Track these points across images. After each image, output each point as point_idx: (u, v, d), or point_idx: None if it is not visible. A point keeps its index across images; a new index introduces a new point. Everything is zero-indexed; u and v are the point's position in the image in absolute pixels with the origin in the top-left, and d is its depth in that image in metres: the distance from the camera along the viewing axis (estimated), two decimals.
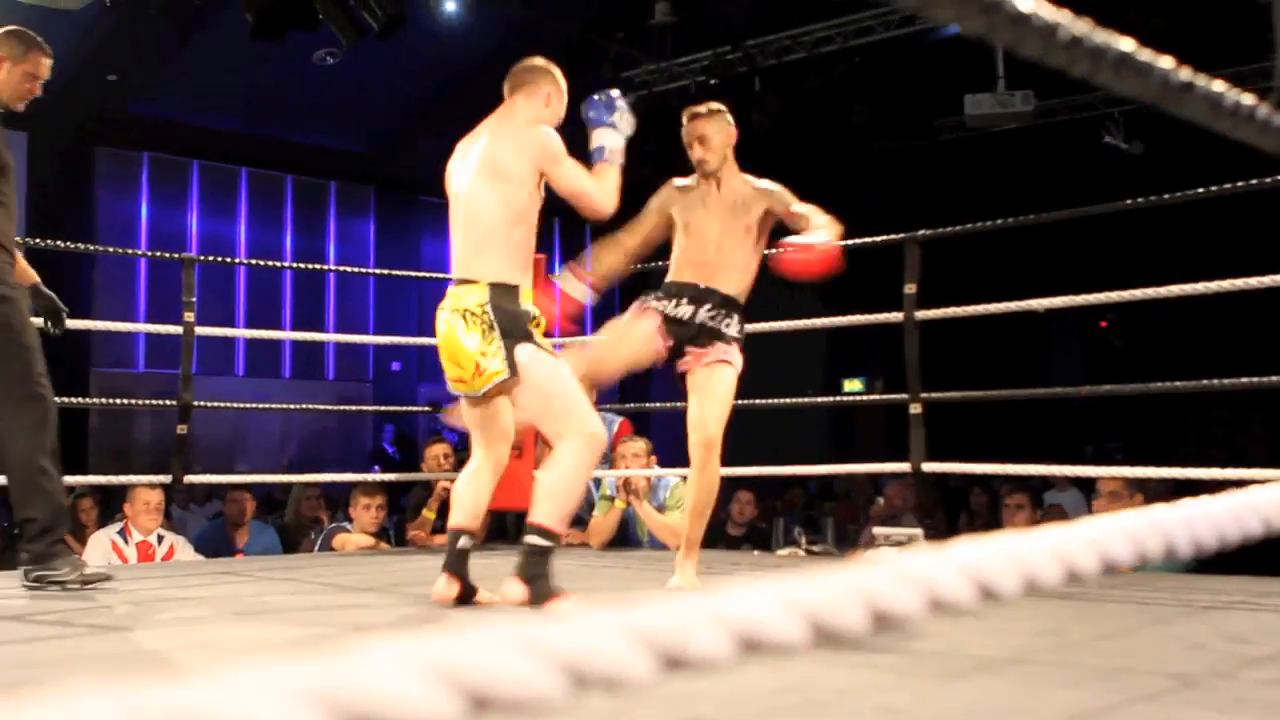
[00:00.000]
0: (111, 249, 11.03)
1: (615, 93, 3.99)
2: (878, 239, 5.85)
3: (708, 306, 4.62)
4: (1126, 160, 12.81)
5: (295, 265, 13.58)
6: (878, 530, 6.48)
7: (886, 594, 0.61)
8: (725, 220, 4.64)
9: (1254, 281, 4.86)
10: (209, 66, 11.94)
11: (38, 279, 4.54)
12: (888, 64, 12.13)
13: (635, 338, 4.66)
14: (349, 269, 12.66)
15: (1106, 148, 12.88)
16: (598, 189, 3.80)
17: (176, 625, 3.62)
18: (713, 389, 4.59)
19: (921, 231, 5.63)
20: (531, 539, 3.60)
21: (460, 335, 3.74)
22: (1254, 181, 4.84)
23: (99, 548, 6.03)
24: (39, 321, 4.51)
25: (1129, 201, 5.36)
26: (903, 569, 0.64)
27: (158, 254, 7.28)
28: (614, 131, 3.89)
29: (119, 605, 3.97)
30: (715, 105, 4.80)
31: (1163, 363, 12.52)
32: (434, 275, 15.41)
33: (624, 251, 4.79)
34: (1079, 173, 12.87)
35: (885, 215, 9.45)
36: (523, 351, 3.72)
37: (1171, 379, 5.52)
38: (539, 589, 3.53)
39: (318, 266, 13.46)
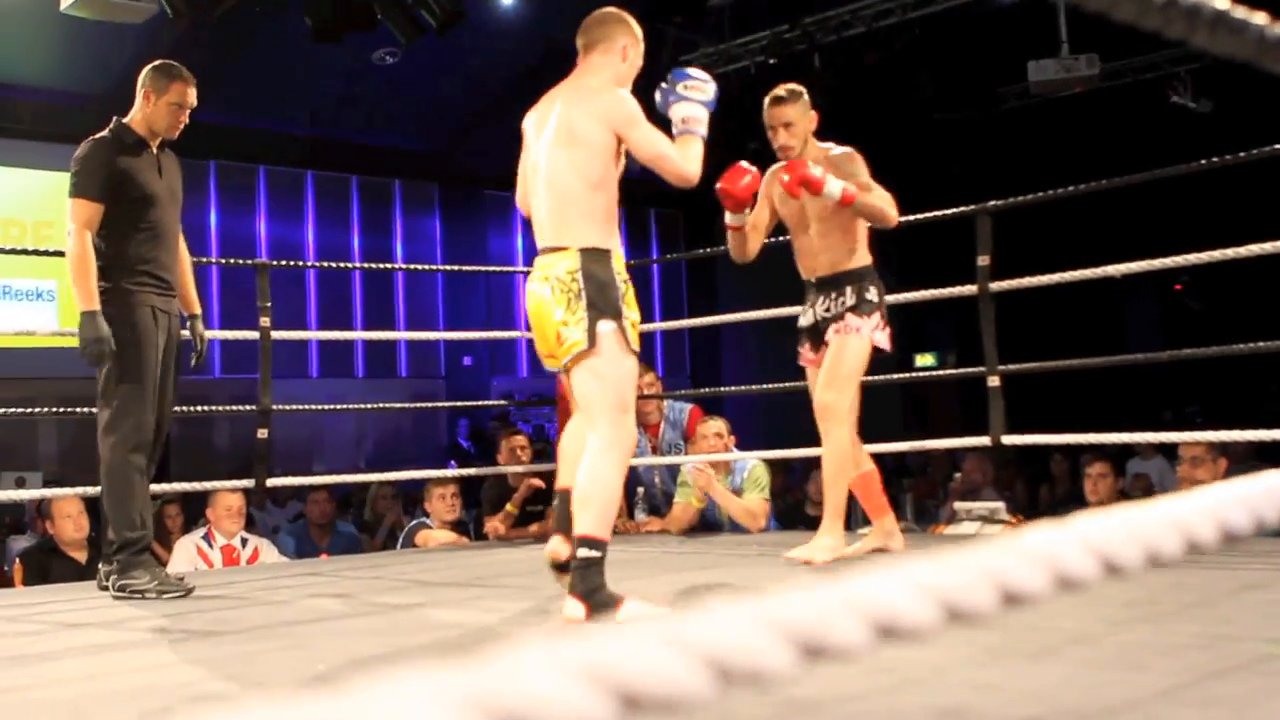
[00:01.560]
0: None
1: (683, 70, 3.90)
2: (948, 211, 5.79)
3: (820, 301, 4.77)
4: (1195, 119, 12.61)
5: (364, 266, 13.67)
6: (959, 505, 6.44)
7: (1015, 573, 0.60)
8: (812, 204, 4.67)
9: None
10: (271, 72, 12.04)
11: (198, 311, 4.88)
12: (948, 34, 12.01)
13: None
14: (417, 267, 12.71)
15: (1174, 107, 12.69)
16: (678, 153, 3.65)
17: (280, 629, 3.66)
18: (830, 358, 4.67)
19: (992, 202, 5.55)
20: (581, 552, 3.45)
21: (548, 304, 3.62)
22: None
23: (184, 554, 6.11)
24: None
25: (1201, 162, 5.23)
26: (1027, 547, 0.62)
27: (230, 261, 7.36)
28: (686, 102, 3.79)
29: (212, 611, 4.02)
30: (795, 87, 4.79)
31: (1240, 323, 12.32)
32: (501, 269, 15.52)
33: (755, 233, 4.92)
34: (1147, 134, 12.67)
35: (951, 187, 9.36)
36: (605, 326, 3.56)
37: (1248, 339, 5.42)
38: (598, 601, 3.43)
39: (386, 266, 13.55)
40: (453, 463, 13.05)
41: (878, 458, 5.16)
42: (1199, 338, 11.04)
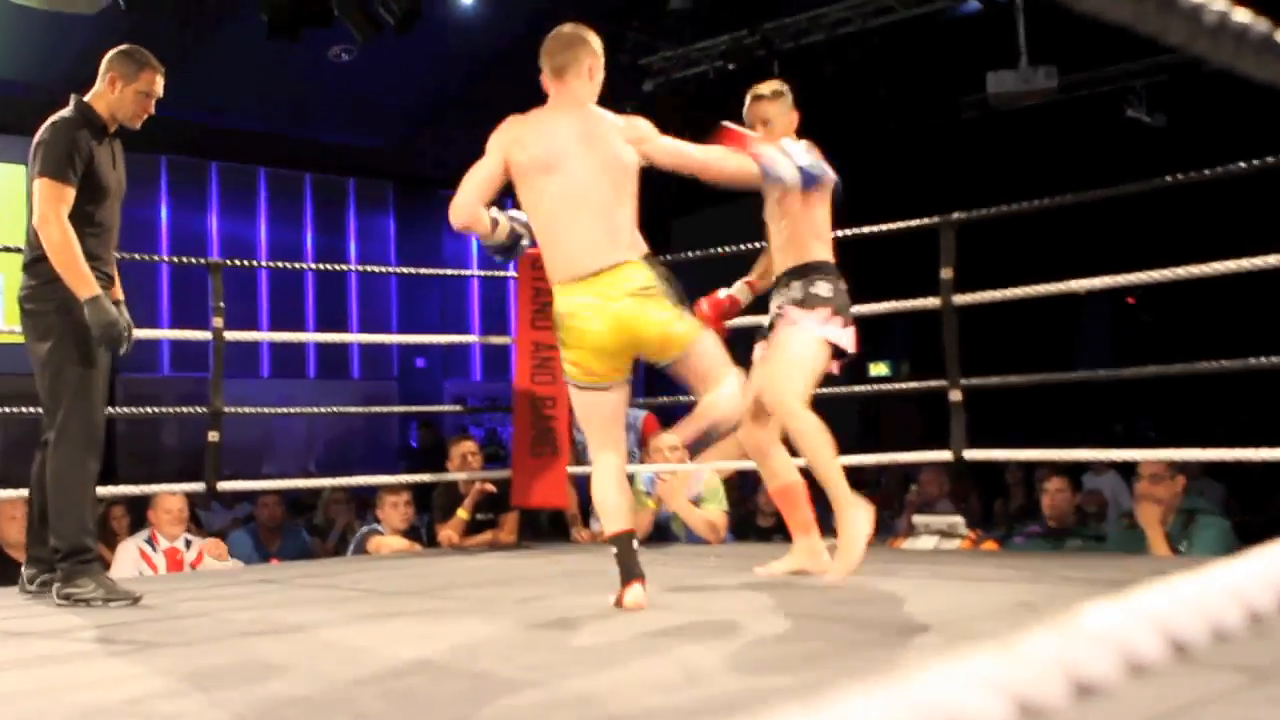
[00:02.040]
0: (136, 255, 11.00)
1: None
2: (911, 223, 5.76)
3: (775, 299, 4.65)
4: (1149, 133, 12.67)
5: (317, 266, 13.52)
6: (917, 519, 6.44)
7: (1086, 662, 0.54)
8: (784, 203, 4.55)
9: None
10: (225, 67, 11.88)
11: (121, 298, 4.61)
12: (907, 44, 12.00)
13: None
14: (371, 268, 12.59)
15: (1129, 121, 12.75)
16: (700, 149, 3.95)
17: (231, 640, 3.56)
18: (772, 354, 4.54)
19: (956, 214, 5.53)
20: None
21: (649, 314, 3.78)
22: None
23: (127, 557, 5.99)
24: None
25: (1161, 180, 5.26)
26: (1094, 632, 0.57)
27: (182, 259, 7.25)
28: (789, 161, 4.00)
29: (160, 621, 3.93)
30: (778, 86, 4.73)
31: (1192, 338, 12.41)
32: (456, 272, 15.41)
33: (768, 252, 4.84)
34: (1103, 147, 12.73)
35: (909, 196, 9.35)
36: (687, 312, 3.91)
37: (1201, 354, 5.43)
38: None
39: (340, 267, 13.41)
40: (404, 464, 12.94)
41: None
42: (1151, 350, 11.10)
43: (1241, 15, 0.86)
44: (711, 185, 4.09)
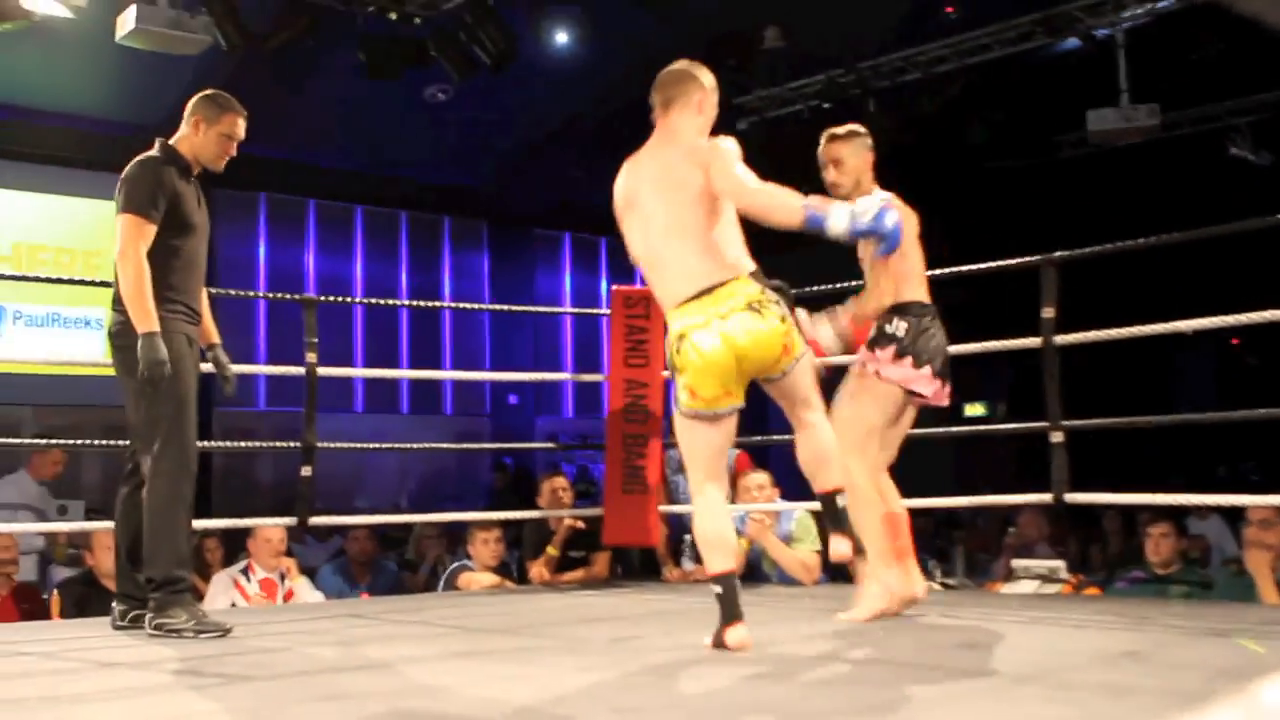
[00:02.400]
0: (233, 291, 11.15)
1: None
2: (1011, 262, 5.66)
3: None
4: (1254, 171, 12.42)
5: (412, 304, 13.59)
6: (1016, 563, 6.29)
7: None
8: (864, 246, 4.51)
9: None
10: (323, 106, 12.03)
11: (218, 340, 4.76)
12: (1005, 81, 11.86)
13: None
14: (465, 305, 12.63)
15: (1234, 159, 12.50)
16: (765, 189, 3.77)
17: (319, 676, 3.54)
18: (838, 397, 4.54)
19: (1058, 253, 5.42)
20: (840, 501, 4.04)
21: (760, 327, 3.75)
22: None
23: (221, 588, 6.02)
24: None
25: (1266, 218, 5.11)
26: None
27: (279, 295, 7.32)
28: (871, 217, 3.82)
29: (250, 655, 3.92)
30: (856, 127, 4.71)
31: None
32: (549, 309, 15.42)
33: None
34: (1205, 186, 12.48)
35: (1006, 236, 9.21)
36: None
37: None
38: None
39: (434, 304, 13.49)
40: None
41: (932, 510, 4.98)
42: (1255, 393, 10.80)
43: None
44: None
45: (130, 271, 4.26)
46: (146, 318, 4.24)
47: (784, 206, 3.74)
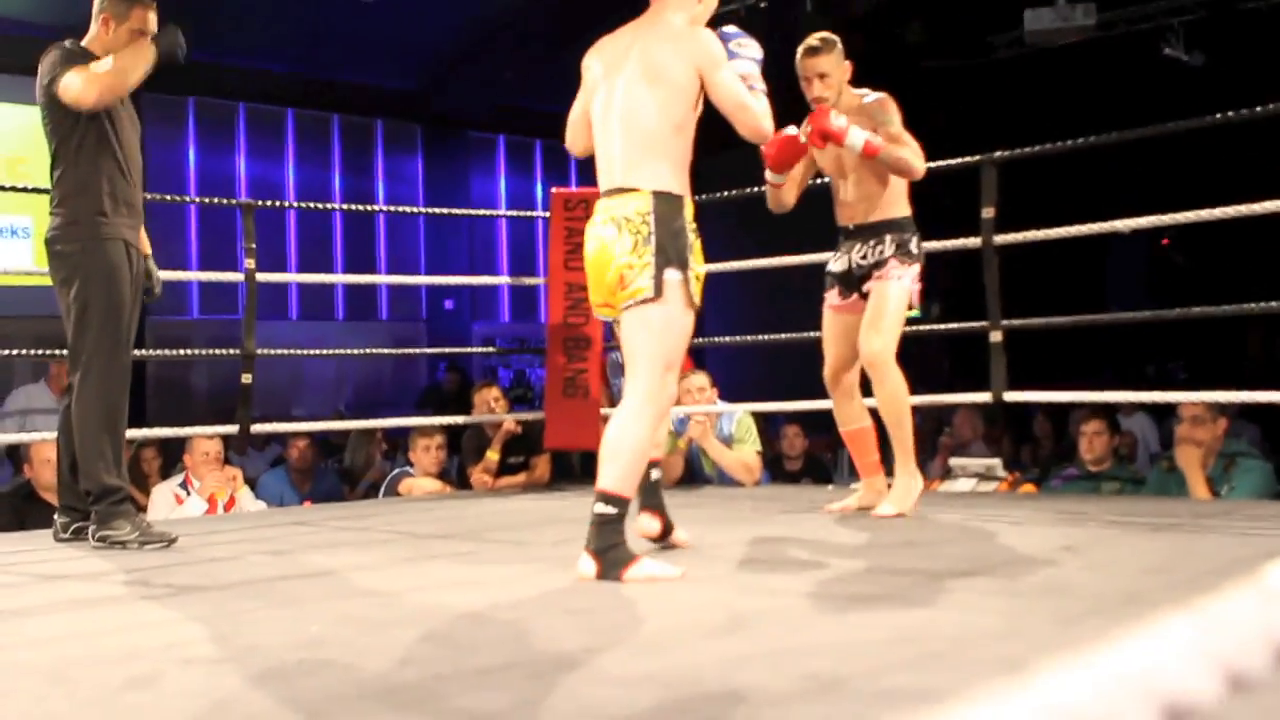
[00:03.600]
0: (166, 197, 10.99)
1: (728, 30, 3.72)
2: (952, 162, 5.67)
3: (857, 249, 4.72)
4: (1187, 73, 12.47)
5: (346, 207, 13.46)
6: (954, 461, 6.38)
7: None
8: (848, 152, 4.58)
9: None
10: (253, 8, 11.80)
11: (148, 251, 4.62)
12: None
13: (836, 339, 4.85)
14: (399, 209, 12.52)
15: (1167, 59, 12.54)
16: (757, 103, 3.52)
17: (268, 584, 3.54)
18: (873, 305, 4.63)
19: (998, 153, 5.44)
20: (599, 508, 3.29)
21: (612, 245, 3.41)
22: None
23: (162, 500, 5.99)
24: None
25: (1197, 119, 5.18)
26: None
27: (213, 200, 7.17)
28: (742, 60, 3.61)
29: (197, 565, 3.92)
30: (829, 36, 4.72)
31: (1224, 279, 12.26)
32: (484, 212, 15.30)
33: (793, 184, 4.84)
34: (1139, 86, 12.53)
35: (942, 136, 9.23)
36: (672, 275, 3.38)
37: (1233, 296, 5.35)
38: (611, 559, 3.27)
39: (369, 208, 13.36)
40: (430, 410, 12.89)
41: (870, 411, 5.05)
42: (1183, 293, 10.95)
43: None
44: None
45: (105, 77, 4.14)
46: (139, 52, 4.21)
47: (765, 109, 3.56)
